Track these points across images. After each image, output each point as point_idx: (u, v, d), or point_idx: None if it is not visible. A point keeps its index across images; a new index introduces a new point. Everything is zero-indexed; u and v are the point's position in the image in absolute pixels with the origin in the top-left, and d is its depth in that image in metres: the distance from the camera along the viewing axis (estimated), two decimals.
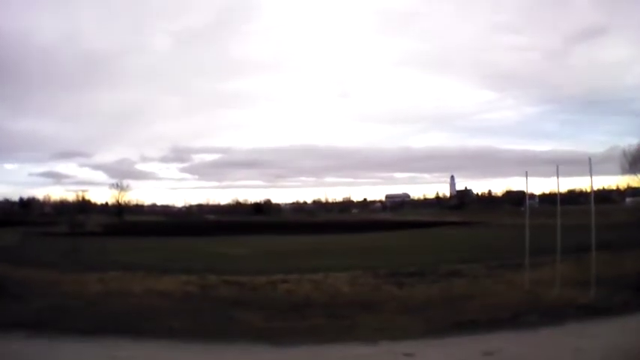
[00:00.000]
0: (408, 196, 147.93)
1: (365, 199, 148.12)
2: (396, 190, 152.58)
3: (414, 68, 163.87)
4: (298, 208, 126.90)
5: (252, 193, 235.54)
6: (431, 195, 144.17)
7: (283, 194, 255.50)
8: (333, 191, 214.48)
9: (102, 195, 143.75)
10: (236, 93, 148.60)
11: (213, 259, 23.60)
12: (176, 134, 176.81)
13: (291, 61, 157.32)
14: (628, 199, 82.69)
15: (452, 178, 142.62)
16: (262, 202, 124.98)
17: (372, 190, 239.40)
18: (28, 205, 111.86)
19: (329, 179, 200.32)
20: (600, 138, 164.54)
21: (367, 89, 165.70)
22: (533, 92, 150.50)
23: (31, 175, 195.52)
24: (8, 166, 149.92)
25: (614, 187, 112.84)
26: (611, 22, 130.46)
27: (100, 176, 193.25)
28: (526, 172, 12.38)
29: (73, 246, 26.12)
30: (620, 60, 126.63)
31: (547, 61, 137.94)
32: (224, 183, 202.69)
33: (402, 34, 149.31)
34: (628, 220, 32.26)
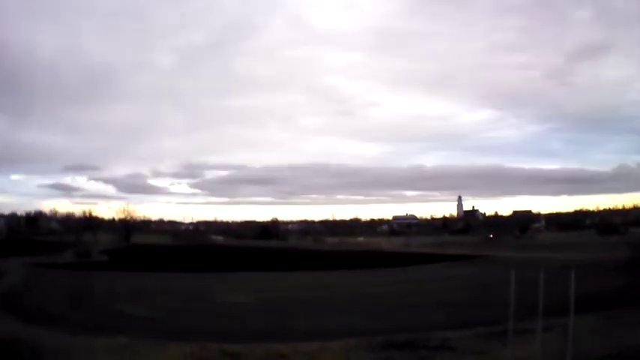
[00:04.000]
0: (414, 217, 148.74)
1: (372, 220, 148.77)
2: (406, 208, 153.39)
3: (416, 87, 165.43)
4: (306, 228, 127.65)
5: (261, 210, 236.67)
6: (438, 215, 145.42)
7: (293, 211, 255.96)
8: (343, 209, 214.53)
9: (111, 209, 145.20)
10: (245, 110, 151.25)
11: (214, 309, 24.63)
12: (187, 150, 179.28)
13: (295, 79, 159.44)
14: (632, 230, 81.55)
15: (459, 198, 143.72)
16: (269, 224, 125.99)
17: (382, 208, 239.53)
18: (34, 220, 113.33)
19: (339, 197, 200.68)
20: (606, 156, 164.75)
21: (373, 108, 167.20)
22: (536, 110, 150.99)
23: (39, 186, 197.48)
24: (17, 177, 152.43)
25: (620, 207, 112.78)
26: (613, 39, 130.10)
27: (110, 190, 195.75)
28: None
29: (79, 292, 27.15)
30: (622, 77, 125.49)
31: (549, 79, 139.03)
32: (234, 199, 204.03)
33: (405, 53, 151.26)
34: (632, 257, 31.28)
